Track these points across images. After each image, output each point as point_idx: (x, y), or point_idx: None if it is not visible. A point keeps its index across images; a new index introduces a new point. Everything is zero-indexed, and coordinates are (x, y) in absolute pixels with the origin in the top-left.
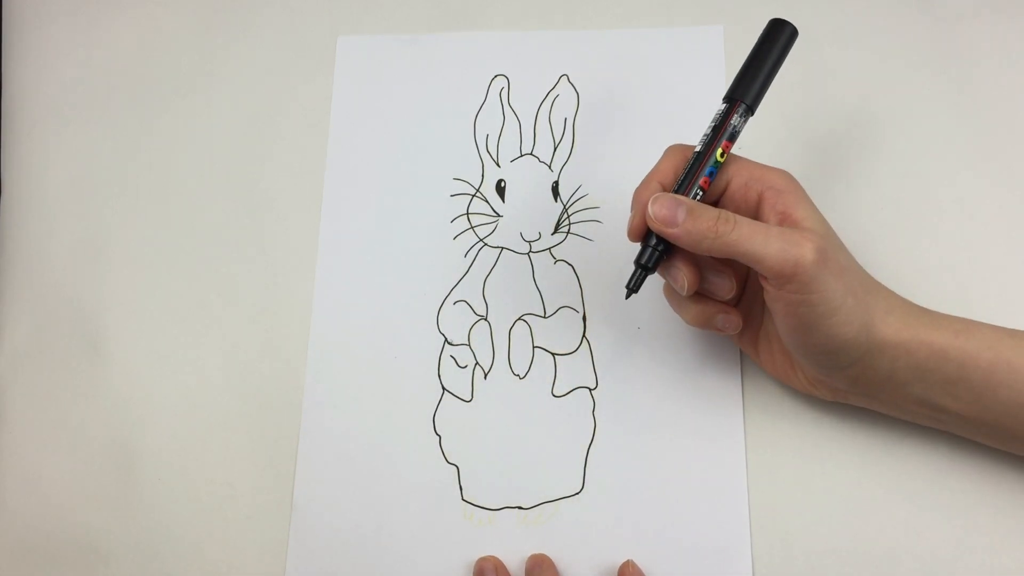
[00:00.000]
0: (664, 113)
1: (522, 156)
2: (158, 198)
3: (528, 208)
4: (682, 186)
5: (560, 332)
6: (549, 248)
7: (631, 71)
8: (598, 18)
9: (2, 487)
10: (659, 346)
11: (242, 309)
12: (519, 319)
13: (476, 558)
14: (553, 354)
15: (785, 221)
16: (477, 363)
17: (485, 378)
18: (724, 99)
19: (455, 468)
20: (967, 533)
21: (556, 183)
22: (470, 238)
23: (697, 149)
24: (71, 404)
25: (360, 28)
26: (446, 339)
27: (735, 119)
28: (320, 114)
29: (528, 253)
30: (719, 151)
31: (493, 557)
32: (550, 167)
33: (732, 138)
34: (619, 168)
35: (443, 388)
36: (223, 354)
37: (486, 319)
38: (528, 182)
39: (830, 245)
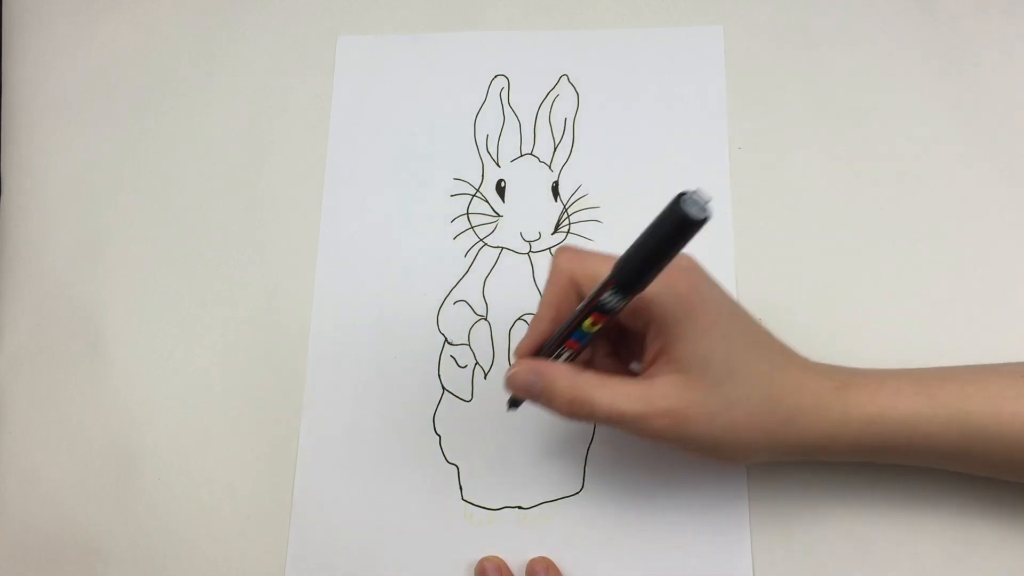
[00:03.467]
0: (664, 113)
1: (522, 156)
2: (158, 198)
3: (528, 208)
4: (552, 348)
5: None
6: (549, 248)
7: (631, 71)
8: (598, 18)
9: (2, 487)
10: None
11: (242, 309)
12: (519, 319)
13: (476, 558)
14: None
15: (660, 358)
16: (477, 363)
17: (485, 378)
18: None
19: (455, 468)
20: (968, 534)
21: (556, 183)
22: (470, 238)
23: (577, 308)
24: (71, 404)
25: (360, 28)
26: (446, 339)
27: (606, 296)
28: (320, 114)
29: (528, 253)
30: (588, 322)
31: (495, 557)
32: (550, 167)
33: (605, 313)
34: (619, 168)
35: (443, 388)
36: (223, 354)
37: (486, 319)
38: (528, 182)
39: (698, 392)
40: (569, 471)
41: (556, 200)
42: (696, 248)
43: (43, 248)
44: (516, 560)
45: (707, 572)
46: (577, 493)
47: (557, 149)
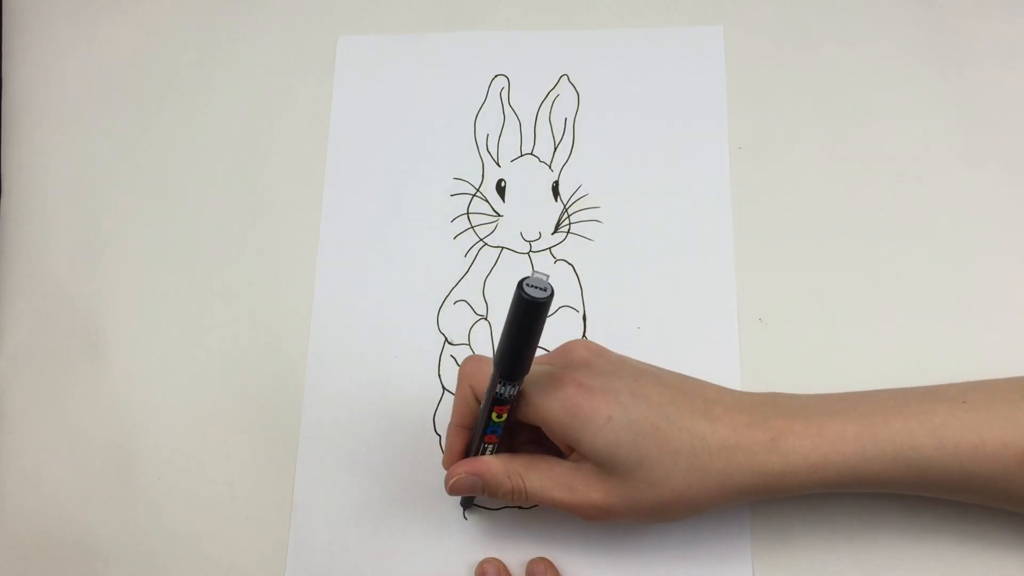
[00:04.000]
0: (664, 113)
1: (522, 156)
2: (158, 198)
3: (528, 208)
4: (475, 447)
5: (560, 332)
6: (549, 248)
7: (631, 71)
8: (598, 18)
9: (2, 487)
10: (659, 346)
11: (242, 309)
12: None
13: (476, 558)
14: None
15: (573, 453)
16: None
17: None
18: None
19: None
20: (967, 535)
21: (556, 183)
22: (470, 238)
23: (482, 406)
24: (71, 404)
25: (360, 28)
26: (446, 339)
27: (499, 388)
28: (320, 114)
29: (528, 253)
30: (494, 414)
31: (495, 560)
32: (550, 167)
33: (504, 403)
34: (619, 168)
35: (443, 388)
36: (223, 354)
37: (486, 319)
38: (528, 182)
39: (615, 481)
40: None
41: (556, 200)
42: (696, 249)
43: (43, 248)
44: (516, 560)
45: (707, 572)
46: None
47: (557, 149)
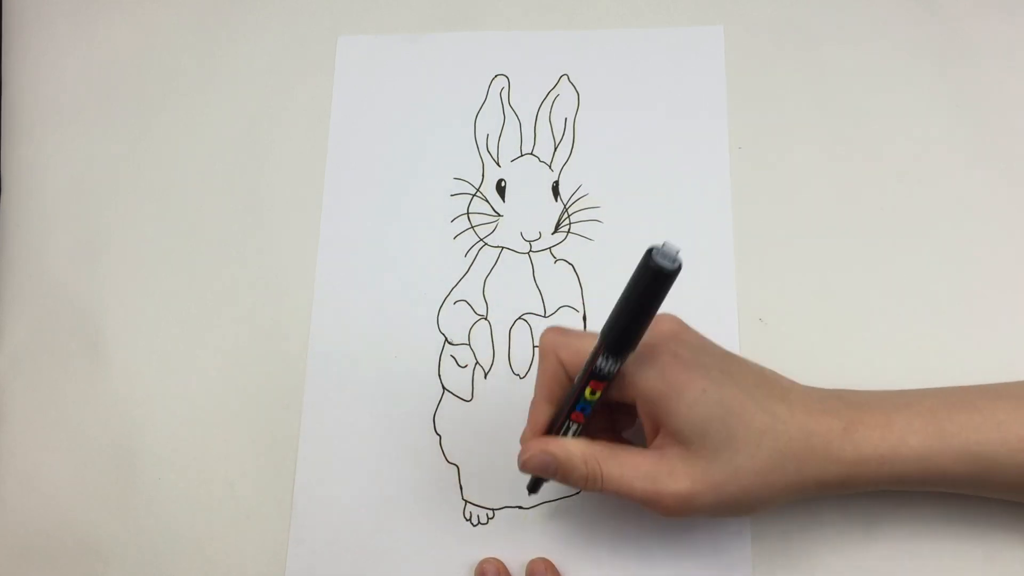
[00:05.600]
0: (664, 113)
1: (522, 156)
2: (158, 198)
3: (528, 208)
4: (560, 424)
5: None
6: (549, 248)
7: (631, 71)
8: (598, 18)
9: (2, 487)
10: None
11: (242, 309)
12: (519, 319)
13: (476, 558)
14: None
15: (660, 431)
16: (477, 363)
17: (485, 378)
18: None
19: (455, 468)
20: (967, 537)
21: (556, 183)
22: (470, 238)
23: (576, 379)
24: (71, 404)
25: (360, 28)
26: (446, 339)
27: (600, 361)
28: (320, 114)
29: (528, 253)
30: (588, 390)
31: (495, 560)
32: (550, 167)
33: (603, 379)
34: (619, 168)
35: (443, 388)
36: (223, 354)
37: (486, 319)
38: (528, 182)
39: (701, 464)
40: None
41: (556, 200)
42: (696, 249)
43: (43, 248)
44: (516, 560)
45: (707, 572)
46: (577, 493)
47: (557, 149)
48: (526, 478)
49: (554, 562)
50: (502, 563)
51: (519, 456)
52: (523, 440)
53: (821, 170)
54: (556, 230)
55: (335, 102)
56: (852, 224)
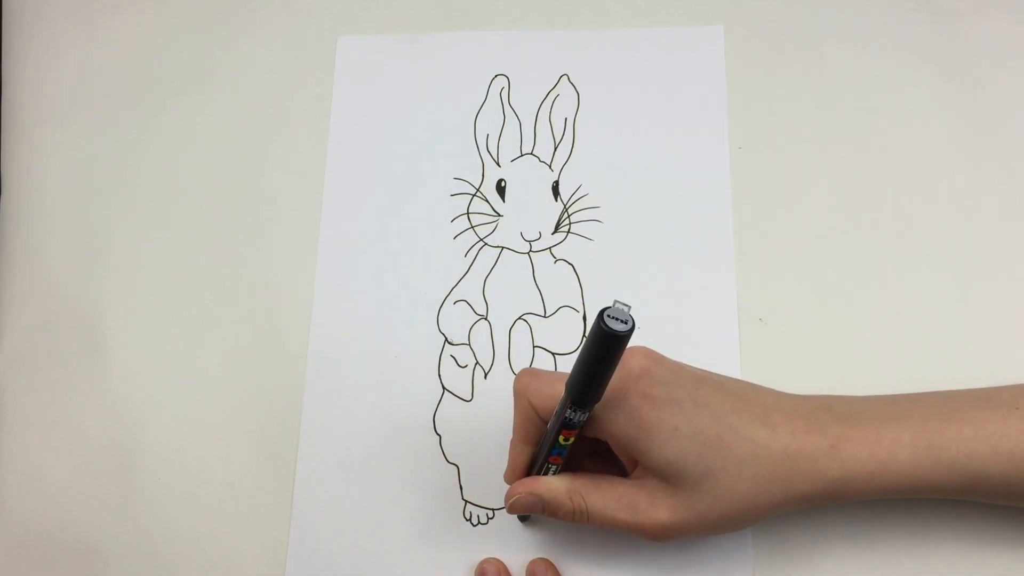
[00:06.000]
0: (664, 113)
1: (522, 156)
2: (158, 198)
3: (528, 208)
4: (538, 466)
5: (560, 332)
6: (549, 248)
7: (631, 71)
8: (598, 18)
9: (2, 487)
10: (659, 346)
11: (242, 309)
12: (519, 319)
13: (476, 558)
14: (553, 354)
15: (636, 468)
16: (477, 363)
17: (485, 378)
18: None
19: (455, 468)
20: (967, 539)
21: (556, 183)
22: (470, 238)
23: (548, 427)
24: (71, 404)
25: (360, 28)
26: (446, 339)
27: (568, 413)
28: (320, 114)
29: (528, 253)
30: (561, 438)
31: (496, 560)
32: (550, 167)
33: (573, 427)
34: (619, 168)
35: (443, 388)
36: (223, 354)
37: (486, 319)
38: (528, 182)
39: (681, 496)
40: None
41: (556, 200)
42: (696, 249)
43: (43, 248)
44: (516, 560)
45: (707, 572)
46: None
47: (557, 149)
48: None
49: (554, 562)
50: (502, 563)
51: (505, 498)
52: (506, 479)
53: (821, 170)
54: (556, 230)
55: (335, 102)
56: (852, 224)
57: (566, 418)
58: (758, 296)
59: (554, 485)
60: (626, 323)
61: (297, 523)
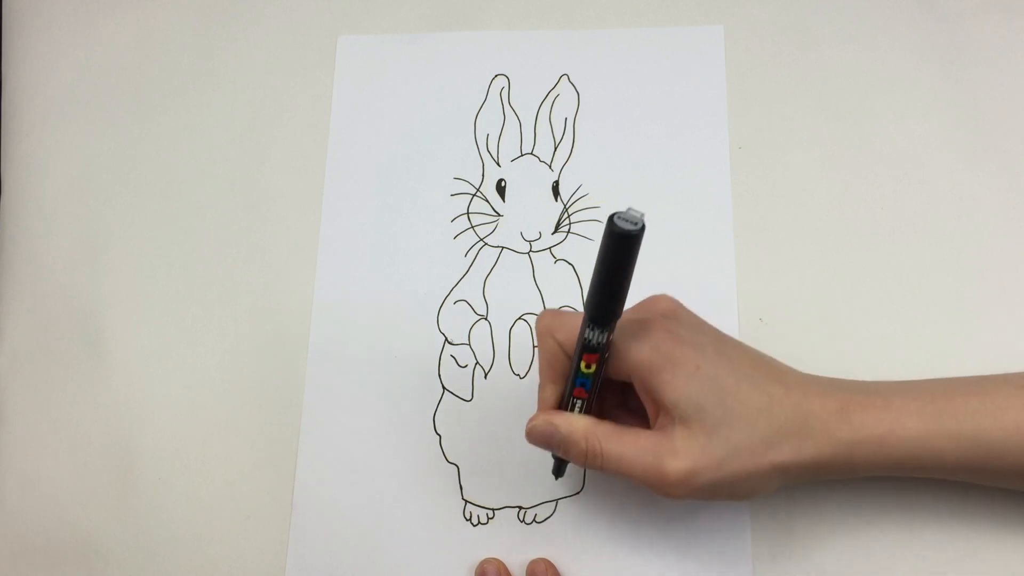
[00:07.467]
0: (664, 113)
1: (522, 156)
2: (158, 198)
3: (528, 208)
4: (566, 402)
5: None
6: (549, 248)
7: (631, 71)
8: (598, 18)
9: (2, 487)
10: None
11: (242, 309)
12: (519, 319)
13: (476, 558)
14: None
15: (660, 411)
16: (477, 363)
17: (485, 378)
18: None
19: (455, 468)
20: (968, 534)
21: (556, 183)
22: (470, 238)
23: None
24: (71, 404)
25: (360, 28)
26: (446, 339)
27: (587, 333)
28: (320, 114)
29: (528, 253)
30: (583, 364)
31: (496, 560)
32: (550, 167)
33: (593, 350)
34: (619, 168)
35: (443, 388)
36: (223, 354)
37: (486, 319)
38: (528, 182)
39: (700, 441)
40: (570, 471)
41: (556, 200)
42: (696, 248)
43: (43, 248)
44: (516, 560)
45: (707, 572)
46: (577, 493)
47: (557, 149)
48: (527, 477)
49: (554, 562)
50: (502, 563)
51: (526, 428)
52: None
53: (821, 170)
54: (556, 230)
55: (335, 102)
56: (852, 224)
57: (586, 339)
58: (758, 296)
59: (574, 421)
60: (636, 224)
61: (297, 523)
